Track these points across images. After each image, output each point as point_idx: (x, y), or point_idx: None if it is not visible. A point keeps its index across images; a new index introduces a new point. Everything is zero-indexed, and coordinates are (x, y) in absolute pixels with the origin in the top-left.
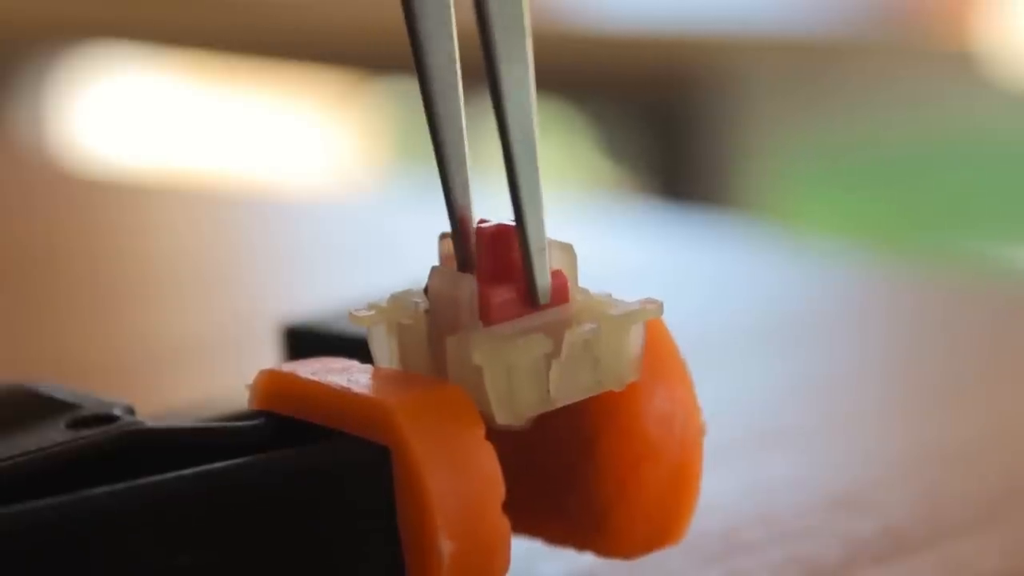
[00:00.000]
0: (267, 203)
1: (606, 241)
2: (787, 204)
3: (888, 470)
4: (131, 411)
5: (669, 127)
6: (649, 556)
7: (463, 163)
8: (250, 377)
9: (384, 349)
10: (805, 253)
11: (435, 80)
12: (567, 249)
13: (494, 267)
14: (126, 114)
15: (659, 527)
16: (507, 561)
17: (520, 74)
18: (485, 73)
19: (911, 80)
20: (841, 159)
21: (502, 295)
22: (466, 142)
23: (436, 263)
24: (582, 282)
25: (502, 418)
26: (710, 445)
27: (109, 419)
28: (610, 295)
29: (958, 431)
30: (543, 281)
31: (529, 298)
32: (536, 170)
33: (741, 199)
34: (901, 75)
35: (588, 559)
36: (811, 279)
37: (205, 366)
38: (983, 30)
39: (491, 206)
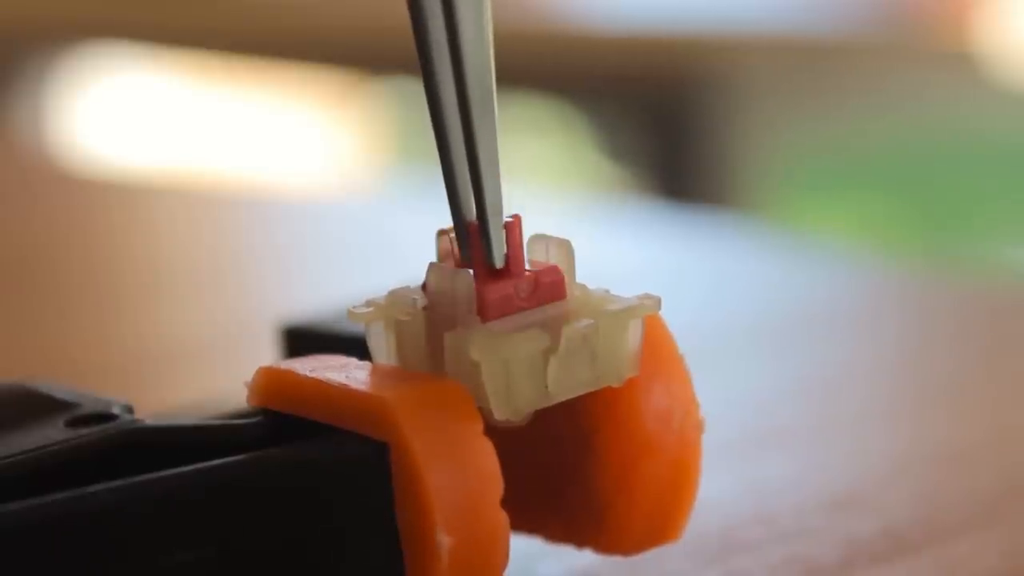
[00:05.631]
0: (267, 203)
1: (606, 241)
2: (787, 204)
3: (887, 470)
4: (130, 410)
5: (669, 127)
6: (648, 556)
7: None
8: (249, 376)
9: (382, 345)
10: (804, 253)
11: (436, 64)
12: (564, 245)
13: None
14: (126, 114)
15: (658, 523)
16: (506, 556)
17: (478, 31)
18: (446, 30)
19: (911, 80)
20: (841, 159)
21: (499, 291)
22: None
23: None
24: (581, 282)
25: (500, 413)
26: (709, 445)
27: (108, 417)
28: (608, 291)
29: (957, 431)
30: (498, 244)
31: (528, 297)
32: (494, 133)
33: (741, 199)
34: (901, 75)
35: (587, 560)
36: (811, 279)
37: (205, 366)
38: (983, 30)
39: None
